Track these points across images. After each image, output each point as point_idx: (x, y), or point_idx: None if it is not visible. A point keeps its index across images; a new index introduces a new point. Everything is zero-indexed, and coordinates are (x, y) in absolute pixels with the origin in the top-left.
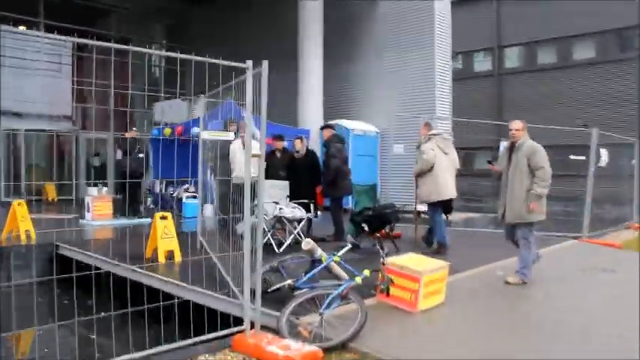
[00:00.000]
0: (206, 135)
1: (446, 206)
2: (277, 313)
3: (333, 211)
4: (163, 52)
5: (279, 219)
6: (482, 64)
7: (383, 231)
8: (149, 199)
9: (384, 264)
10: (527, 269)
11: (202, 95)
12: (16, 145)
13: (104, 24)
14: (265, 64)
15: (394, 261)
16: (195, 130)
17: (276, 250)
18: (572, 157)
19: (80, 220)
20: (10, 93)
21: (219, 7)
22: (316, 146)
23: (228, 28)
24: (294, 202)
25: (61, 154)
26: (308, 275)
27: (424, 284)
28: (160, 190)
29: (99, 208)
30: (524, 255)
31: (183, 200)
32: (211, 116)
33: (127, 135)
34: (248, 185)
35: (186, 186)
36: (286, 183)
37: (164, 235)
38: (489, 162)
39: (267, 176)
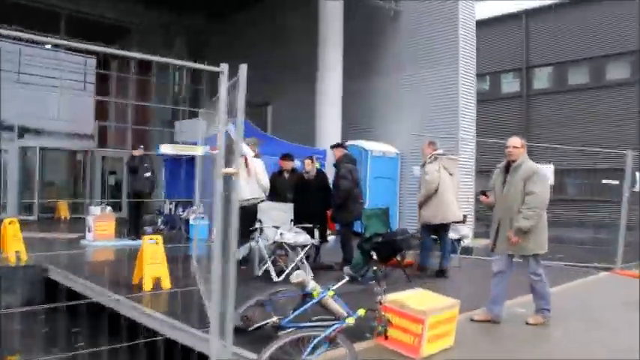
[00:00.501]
0: (169, 149)
1: (445, 229)
2: (253, 356)
3: (343, 237)
4: (129, 53)
5: (279, 245)
6: (511, 85)
7: (394, 259)
8: (159, 220)
9: (381, 302)
10: (548, 304)
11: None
12: (31, 163)
13: (125, 43)
14: (243, 68)
15: (394, 298)
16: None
17: (275, 279)
18: (604, 181)
19: (81, 241)
20: (32, 110)
21: (236, 24)
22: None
23: (246, 45)
24: (298, 227)
25: (76, 171)
26: (295, 312)
27: (429, 326)
28: (170, 211)
29: (101, 228)
30: (540, 291)
31: (190, 221)
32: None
33: (135, 153)
34: (218, 206)
35: (195, 207)
36: (290, 205)
37: (151, 261)
38: (483, 193)
39: (274, 198)
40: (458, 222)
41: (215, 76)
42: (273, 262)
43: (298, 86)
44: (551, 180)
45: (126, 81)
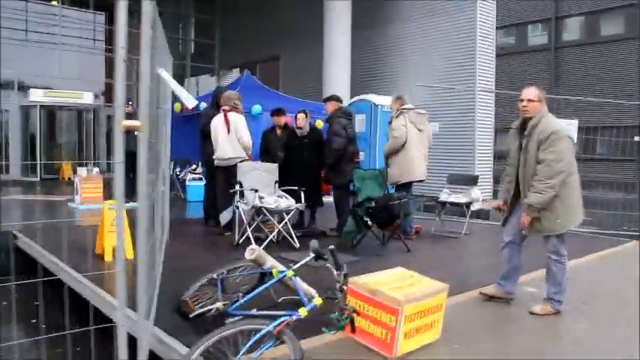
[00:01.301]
0: (39, 96)
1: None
2: (184, 350)
3: (337, 201)
4: None
5: (258, 210)
6: (538, 37)
7: (392, 226)
8: None
9: (342, 290)
10: (561, 294)
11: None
12: (32, 122)
13: None
14: None
15: (365, 280)
16: (202, 104)
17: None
18: (637, 138)
19: (69, 204)
20: (39, 68)
21: None
22: None
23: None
24: (283, 189)
25: (81, 131)
26: (248, 296)
27: (406, 318)
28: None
29: (88, 191)
30: (556, 276)
31: (187, 182)
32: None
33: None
34: (120, 168)
35: (193, 166)
36: (275, 166)
37: (112, 229)
38: (498, 209)
39: (266, 157)
40: (420, 180)
41: (228, 30)
42: (258, 229)
43: (308, 38)
44: (574, 137)
45: (133, 37)
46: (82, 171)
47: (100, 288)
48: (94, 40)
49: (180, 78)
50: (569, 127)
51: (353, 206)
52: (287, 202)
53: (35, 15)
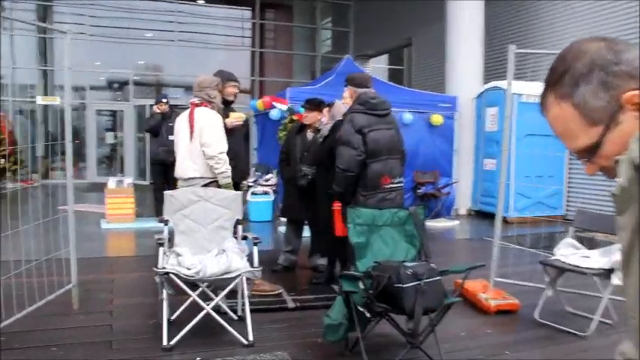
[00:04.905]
0: None
1: None
2: None
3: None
4: None
5: (167, 277)
6: None
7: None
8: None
9: None
10: None
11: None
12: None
13: None
14: None
15: None
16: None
17: (165, 344)
18: None
19: (101, 221)
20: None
21: None
22: (468, 121)
23: None
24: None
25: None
26: None
27: None
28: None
29: (115, 206)
30: None
31: (248, 198)
32: (323, 78)
33: (156, 109)
34: None
35: (268, 176)
36: (237, 195)
37: None
38: None
39: (286, 171)
40: None
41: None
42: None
43: (436, 17)
44: None
45: (272, 30)
46: (110, 182)
47: None
48: (242, 37)
49: (311, 73)
50: None
51: (343, 278)
52: (226, 263)
53: (182, 14)
